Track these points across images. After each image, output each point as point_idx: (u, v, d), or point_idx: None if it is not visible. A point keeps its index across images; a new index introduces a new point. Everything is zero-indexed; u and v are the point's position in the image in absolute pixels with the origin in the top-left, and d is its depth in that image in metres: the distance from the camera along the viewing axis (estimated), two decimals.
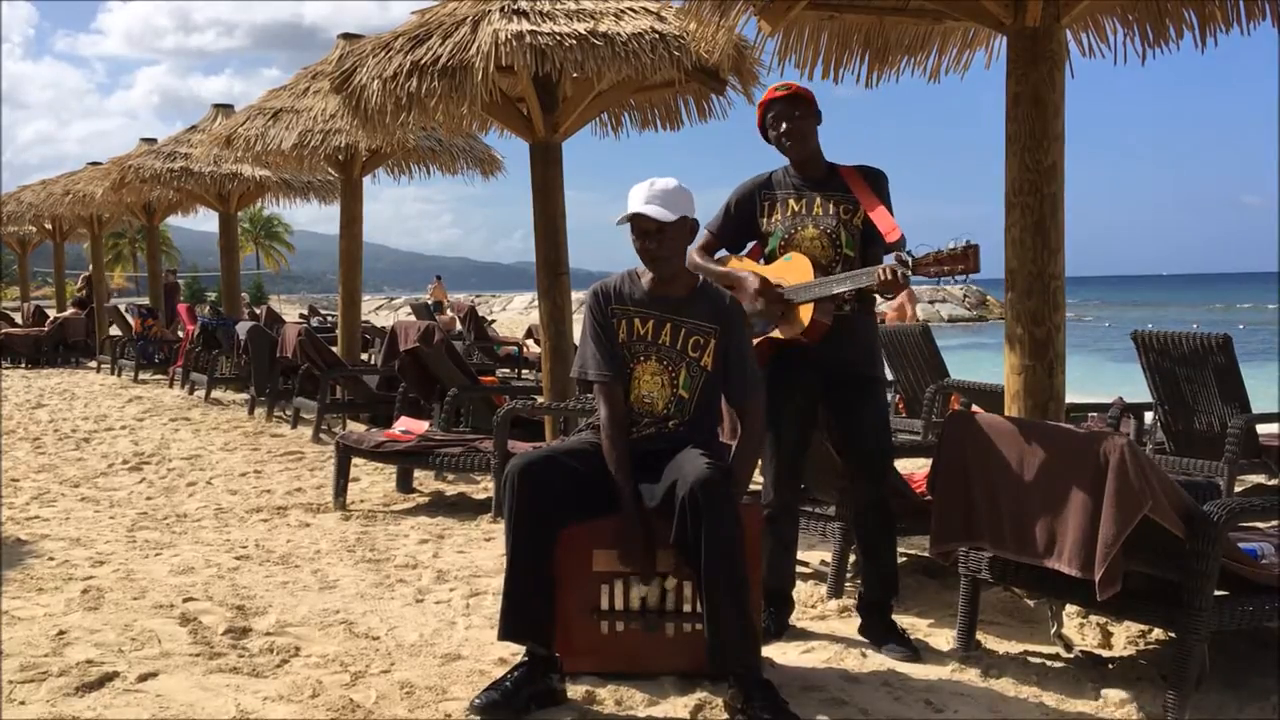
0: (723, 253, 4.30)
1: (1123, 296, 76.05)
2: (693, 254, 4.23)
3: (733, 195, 4.26)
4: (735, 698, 3.33)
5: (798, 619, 4.26)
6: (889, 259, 3.93)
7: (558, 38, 6.22)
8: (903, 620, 4.18)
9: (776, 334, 4.07)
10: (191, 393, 12.89)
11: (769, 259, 4.17)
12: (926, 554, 4.49)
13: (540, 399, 7.43)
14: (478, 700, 3.34)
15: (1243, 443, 5.87)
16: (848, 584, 4.60)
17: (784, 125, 4.07)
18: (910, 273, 3.82)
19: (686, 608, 3.60)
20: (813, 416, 4.17)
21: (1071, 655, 3.93)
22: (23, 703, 3.41)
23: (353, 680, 3.63)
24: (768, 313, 4.06)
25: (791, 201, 4.13)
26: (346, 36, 9.73)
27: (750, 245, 4.30)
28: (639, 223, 3.57)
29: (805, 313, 4.00)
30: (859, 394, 4.10)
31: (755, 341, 4.09)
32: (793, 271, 4.05)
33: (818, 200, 4.09)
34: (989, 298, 43.26)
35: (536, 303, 7.63)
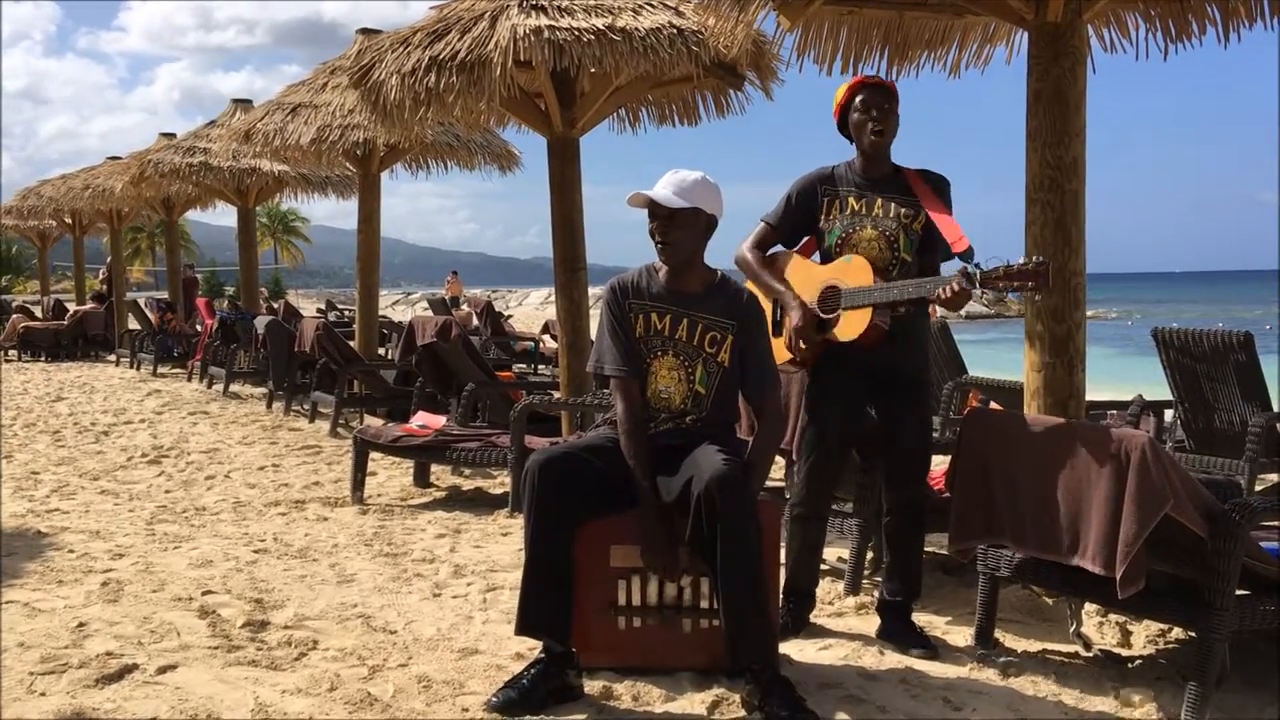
0: (778, 249, 4.22)
1: (1137, 294, 75.59)
2: (745, 249, 4.19)
3: (793, 187, 4.17)
4: (752, 694, 3.32)
5: (815, 616, 4.24)
6: (953, 267, 3.82)
7: (576, 33, 6.22)
8: (921, 618, 4.17)
9: (835, 334, 3.97)
10: (210, 387, 12.95)
11: (825, 257, 4.09)
12: (944, 551, 4.48)
13: (557, 394, 7.44)
14: (495, 699, 3.34)
15: (1264, 441, 5.83)
16: (865, 581, 4.59)
17: (874, 112, 3.96)
18: (978, 287, 3.72)
19: (704, 604, 3.60)
20: (858, 418, 4.11)
21: (1091, 654, 3.91)
22: (43, 694, 3.43)
23: (370, 674, 3.64)
24: (802, 340, 3.99)
25: (852, 200, 4.04)
26: (365, 32, 9.75)
27: (804, 240, 4.21)
28: (650, 206, 3.57)
29: (863, 318, 3.91)
30: (906, 397, 4.04)
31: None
32: (852, 274, 3.96)
33: (879, 201, 4.01)
34: (1007, 295, 43.04)
35: (553, 298, 7.63)
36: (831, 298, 4.00)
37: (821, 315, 4.01)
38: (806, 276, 4.10)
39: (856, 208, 4.04)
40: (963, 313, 40.65)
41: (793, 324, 4.00)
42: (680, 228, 3.57)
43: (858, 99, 4.01)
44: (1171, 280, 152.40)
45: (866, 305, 3.90)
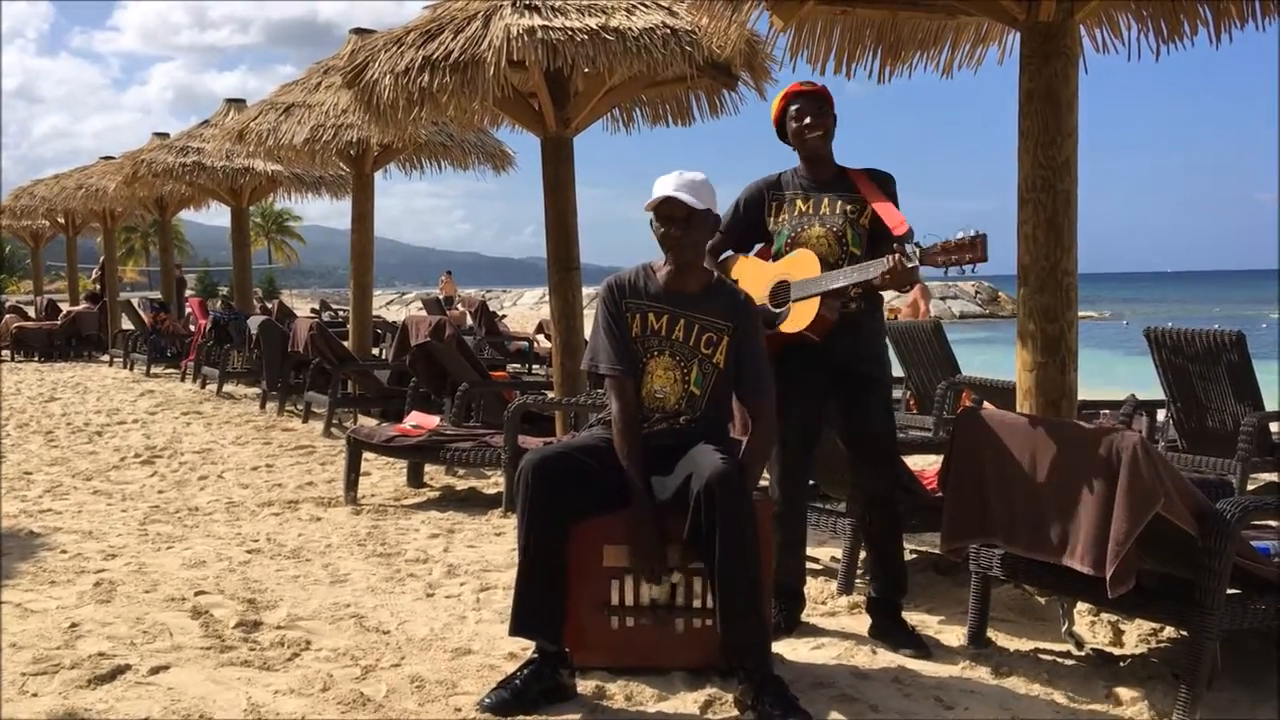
0: (729, 254, 4.30)
1: (1129, 294, 75.68)
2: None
3: (741, 195, 4.27)
4: (745, 693, 3.32)
5: (808, 615, 4.25)
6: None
7: (569, 32, 6.21)
8: (913, 617, 4.18)
9: (783, 327, 4.05)
10: (203, 387, 12.94)
11: (775, 258, 4.17)
12: (937, 551, 4.49)
13: (551, 394, 7.44)
14: (488, 699, 3.34)
15: (1256, 440, 5.85)
16: (858, 580, 4.60)
17: (808, 119, 4.07)
18: (918, 264, 3.80)
19: (696, 603, 3.60)
20: (819, 414, 4.16)
21: (1083, 653, 3.92)
22: (35, 695, 3.43)
23: (363, 674, 3.64)
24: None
25: (799, 202, 4.14)
26: (359, 31, 9.75)
27: (758, 246, 4.30)
28: (667, 208, 3.57)
29: (810, 308, 3.99)
30: (864, 392, 4.10)
31: None
32: (799, 267, 4.05)
33: (825, 201, 4.10)
34: (1001, 294, 43.17)
35: (547, 298, 7.63)
36: (781, 292, 4.08)
37: (772, 309, 4.07)
38: (757, 273, 4.17)
39: (804, 208, 4.13)
40: (956, 312, 40.86)
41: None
42: (695, 228, 3.59)
43: (792, 108, 4.13)
44: (1165, 280, 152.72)
45: (814, 295, 3.97)
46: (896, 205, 4.06)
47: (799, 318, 4.02)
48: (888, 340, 4.74)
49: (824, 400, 4.15)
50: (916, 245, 3.83)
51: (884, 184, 4.10)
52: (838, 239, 4.05)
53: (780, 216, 4.16)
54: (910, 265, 3.79)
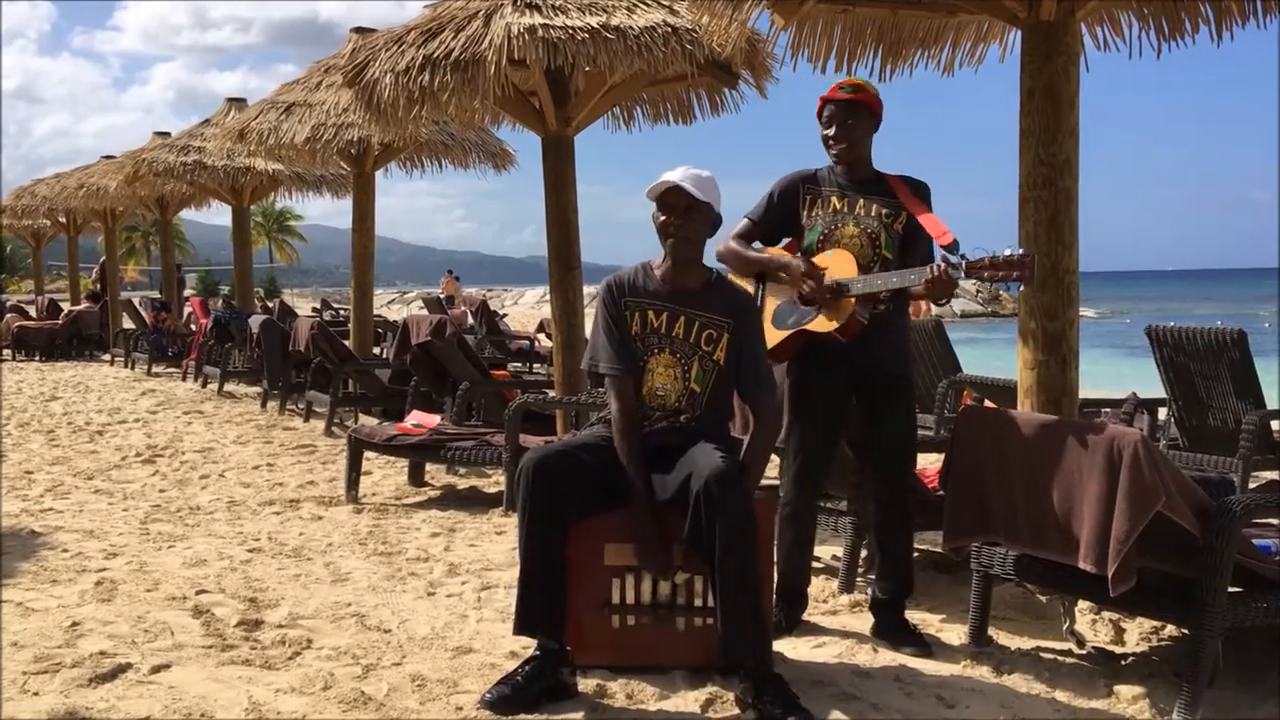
0: (757, 245, 4.25)
1: (1126, 292, 75.62)
2: (730, 242, 4.19)
3: (776, 185, 4.21)
4: (746, 692, 3.32)
5: (809, 614, 4.25)
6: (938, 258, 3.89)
7: (570, 31, 6.21)
8: (914, 616, 4.17)
9: (813, 326, 4.01)
10: (204, 386, 12.95)
11: (806, 254, 4.11)
12: (938, 549, 4.49)
13: (552, 393, 7.43)
14: (489, 695, 3.35)
15: (1257, 438, 5.84)
16: (859, 579, 4.60)
17: (833, 129, 4.03)
18: (963, 275, 3.78)
19: (698, 602, 3.60)
20: (841, 414, 4.13)
21: (1084, 651, 3.91)
22: (36, 693, 3.43)
23: (364, 673, 3.64)
24: (812, 297, 3.99)
25: (834, 199, 4.09)
26: (359, 30, 9.75)
27: (785, 240, 4.24)
28: (670, 197, 3.56)
29: (844, 309, 3.95)
30: (887, 392, 4.07)
31: (785, 336, 4.07)
32: (835, 266, 3.99)
33: (860, 201, 4.06)
34: (1002, 293, 43.11)
35: (548, 297, 7.63)
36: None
37: (800, 305, 4.02)
38: None
39: (839, 206, 4.08)
40: (957, 311, 40.82)
41: (800, 271, 3.98)
42: (696, 220, 3.58)
43: (824, 114, 4.09)
44: (1165, 278, 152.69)
45: (850, 296, 3.94)
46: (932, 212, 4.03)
47: (832, 317, 3.98)
48: None
49: (846, 401, 4.12)
50: (963, 257, 3.80)
51: (922, 193, 4.06)
52: (871, 241, 4.01)
53: (814, 211, 4.11)
54: (954, 276, 3.77)
